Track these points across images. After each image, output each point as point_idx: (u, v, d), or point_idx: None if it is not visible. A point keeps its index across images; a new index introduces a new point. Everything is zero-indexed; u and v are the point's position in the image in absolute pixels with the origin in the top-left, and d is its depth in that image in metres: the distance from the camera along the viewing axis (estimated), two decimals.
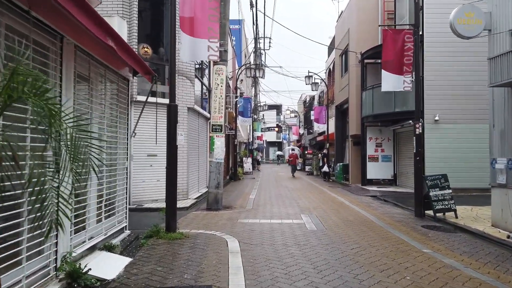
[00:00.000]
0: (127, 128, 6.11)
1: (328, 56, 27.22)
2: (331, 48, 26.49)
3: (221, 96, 9.44)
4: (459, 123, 13.00)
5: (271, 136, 68.96)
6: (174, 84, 6.54)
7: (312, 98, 33.26)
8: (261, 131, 54.84)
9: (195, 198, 10.97)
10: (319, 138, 26.44)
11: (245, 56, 31.66)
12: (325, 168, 21.03)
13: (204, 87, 13.94)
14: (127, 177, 6.04)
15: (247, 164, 26.79)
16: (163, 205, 9.76)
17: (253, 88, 35.91)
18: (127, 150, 6.07)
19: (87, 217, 4.80)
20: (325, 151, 21.68)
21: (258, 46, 26.54)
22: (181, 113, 10.58)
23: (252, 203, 10.69)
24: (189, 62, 10.81)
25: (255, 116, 36.25)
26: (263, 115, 55.52)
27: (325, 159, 21.26)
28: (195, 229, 6.93)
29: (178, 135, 10.76)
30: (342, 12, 21.21)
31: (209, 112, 10.12)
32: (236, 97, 18.91)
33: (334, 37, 23.06)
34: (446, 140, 12.89)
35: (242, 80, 20.67)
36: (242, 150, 31.97)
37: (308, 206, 10.05)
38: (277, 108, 68.72)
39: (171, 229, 6.27)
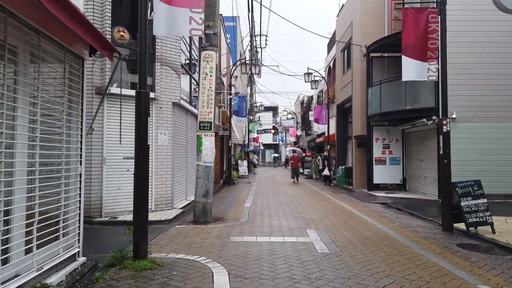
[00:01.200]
0: (81, 123, 4.62)
1: (328, 53, 25.87)
2: (331, 44, 25.15)
3: (210, 87, 7.97)
4: (479, 121, 11.62)
5: (267, 138, 67.53)
6: (144, 64, 5.07)
7: (311, 98, 31.88)
8: (257, 133, 53.47)
9: (181, 208, 9.46)
10: (318, 140, 25.05)
11: (240, 55, 30.24)
12: (326, 172, 19.60)
13: (194, 82, 12.48)
14: (80, 186, 4.55)
15: (243, 167, 25.27)
16: None
17: (249, 88, 34.49)
18: (81, 151, 4.58)
19: (9, 245, 3.33)
20: (325, 153, 20.26)
21: (254, 41, 25.16)
22: (165, 109, 9.11)
23: (248, 213, 9.20)
24: (174, 51, 9.35)
25: (251, 117, 34.81)
26: (259, 117, 54.19)
27: (326, 162, 19.83)
28: (174, 251, 5.44)
29: (160, 134, 9.31)
30: (343, 5, 19.84)
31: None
32: (230, 93, 17.45)
33: (334, 32, 21.69)
34: (465, 140, 11.50)
35: (236, 76, 19.25)
36: (237, 153, 30.48)
37: (313, 217, 8.58)
38: (274, 109, 67.31)
39: (140, 255, 4.77)
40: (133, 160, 8.62)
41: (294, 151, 25.22)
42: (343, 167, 18.87)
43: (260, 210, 9.73)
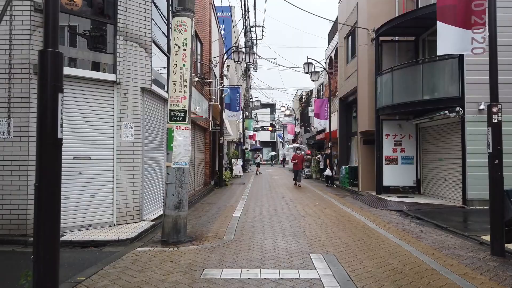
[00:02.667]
0: None
1: (329, 43, 24.01)
2: (332, 34, 23.30)
3: (184, 65, 6.08)
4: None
5: (264, 136, 65.69)
6: (55, 7, 3.16)
7: (310, 92, 30.02)
8: (254, 130, 51.62)
9: (153, 220, 7.59)
10: (318, 137, 23.21)
11: (236, 41, 28.30)
12: (328, 172, 17.76)
13: None
14: None
15: (237, 166, 23.43)
16: (99, 233, 6.42)
17: (245, 82, 32.58)
18: None
19: None
20: (327, 151, 18.39)
21: (249, 32, 23.27)
22: (130, 96, 7.22)
23: (235, 227, 7.33)
24: (144, 23, 7.45)
25: (247, 113, 32.91)
26: (256, 114, 52.33)
27: (328, 161, 17.98)
28: None
29: (125, 127, 7.42)
30: None
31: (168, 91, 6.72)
32: (220, 83, 15.54)
33: (336, 19, 19.80)
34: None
35: (228, 66, 17.36)
36: (232, 151, 28.61)
37: (318, 234, 6.73)
38: (271, 106, 65.51)
39: None
40: (87, 161, 6.76)
41: (298, 149, 19.57)
42: (347, 166, 17.05)
43: (251, 222, 7.86)
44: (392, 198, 11.99)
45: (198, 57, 13.80)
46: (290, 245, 5.83)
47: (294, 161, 18.21)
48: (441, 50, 5.84)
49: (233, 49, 15.62)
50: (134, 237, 6.14)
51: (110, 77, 6.92)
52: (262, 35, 28.84)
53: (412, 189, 13.09)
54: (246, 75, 30.86)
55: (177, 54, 6.05)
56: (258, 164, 32.06)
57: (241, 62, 15.62)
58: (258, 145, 62.92)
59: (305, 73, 18.55)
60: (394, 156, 13.07)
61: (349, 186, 16.31)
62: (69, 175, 6.46)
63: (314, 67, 19.23)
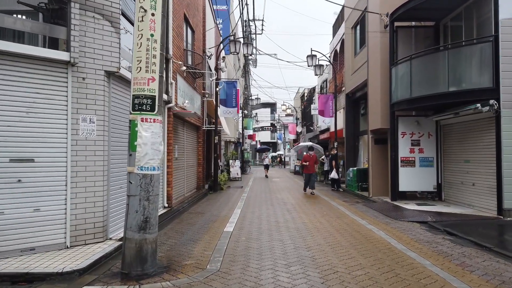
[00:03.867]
0: None
1: (333, 36, 22.45)
2: (337, 25, 21.75)
3: (152, 35, 4.49)
4: None
5: (264, 136, 64.12)
6: None
7: (312, 90, 28.44)
8: (254, 130, 50.11)
9: (121, 239, 6.00)
10: (322, 136, 21.63)
11: (232, 30, 26.74)
12: (334, 174, 16.17)
13: None
14: None
15: (235, 168, 21.85)
16: (42, 261, 4.84)
17: (244, 79, 31.05)
18: None
19: None
20: (333, 151, 16.78)
21: (248, 26, 21.79)
22: (91, 82, 5.65)
23: (224, 249, 5.75)
24: None
25: (246, 112, 31.34)
26: (256, 113, 50.85)
27: (334, 163, 16.39)
28: None
29: (84, 121, 5.82)
30: None
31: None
32: (215, 74, 13.94)
33: (343, 8, 18.22)
34: None
35: (224, 57, 15.80)
36: (230, 152, 27.04)
37: (334, 262, 5.14)
38: (272, 106, 64.02)
39: None
40: (29, 165, 5.15)
41: (311, 149, 15.25)
42: (355, 169, 15.47)
43: (246, 241, 6.27)
44: (411, 206, 10.41)
45: (189, 46, 12.23)
46: (297, 281, 4.25)
47: (304, 163, 14.59)
48: (504, 13, 4.24)
49: (229, 39, 14.04)
50: (85, 267, 4.56)
51: (62, 55, 5.34)
52: (262, 29, 27.29)
53: (431, 195, 11.50)
54: (245, 71, 29.33)
55: (142, 21, 4.47)
56: (266, 167, 27.21)
57: (238, 53, 14.05)
58: (259, 145, 61.45)
59: (308, 66, 16.98)
60: (411, 158, 11.48)
61: (357, 191, 14.75)
62: (4, 183, 4.89)
63: (318, 60, 17.66)
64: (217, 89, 13.98)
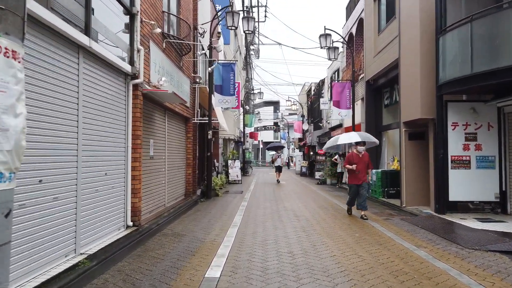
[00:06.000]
0: None
1: (347, 19, 19.62)
2: (350, 7, 18.93)
3: None
4: None
5: (267, 136, 61.33)
6: None
7: (321, 82, 25.61)
8: (256, 130, 47.35)
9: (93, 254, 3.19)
10: (335, 133, 18.79)
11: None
12: None
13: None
14: None
15: (234, 169, 19.06)
16: None
17: (245, 72, 28.26)
18: None
19: None
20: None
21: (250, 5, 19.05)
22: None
23: None
24: None
25: (247, 107, 28.53)
26: (258, 112, 48.12)
27: None
28: None
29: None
30: None
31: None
32: (205, 51, 11.10)
33: None
34: None
35: (220, 33, 13.01)
36: (230, 151, 24.24)
37: None
38: (275, 104, 61.27)
39: None
40: None
41: (360, 144, 9.33)
42: (379, 171, 12.69)
43: None
44: (471, 222, 7.59)
45: (174, 11, 9.45)
46: None
47: (350, 167, 8.79)
48: None
49: (226, 11, 11.24)
50: None
51: None
52: (265, 16, 24.46)
53: (491, 207, 8.66)
54: (247, 62, 26.53)
55: None
56: (279, 169, 20.80)
57: (236, 28, 11.26)
58: (261, 145, 58.66)
59: (321, 48, 14.14)
60: (466, 157, 8.65)
61: (383, 198, 12.00)
62: None
63: (333, 42, 14.83)
64: (209, 69, 11.16)
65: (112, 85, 5.88)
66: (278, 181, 20.19)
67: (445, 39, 8.48)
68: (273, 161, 23.36)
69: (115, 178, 6.01)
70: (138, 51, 6.65)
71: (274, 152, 23.76)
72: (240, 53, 26.90)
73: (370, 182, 10.98)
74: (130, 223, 6.45)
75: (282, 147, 26.79)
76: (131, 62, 6.48)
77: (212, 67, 11.20)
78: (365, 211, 8.57)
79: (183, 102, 8.47)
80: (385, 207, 10.67)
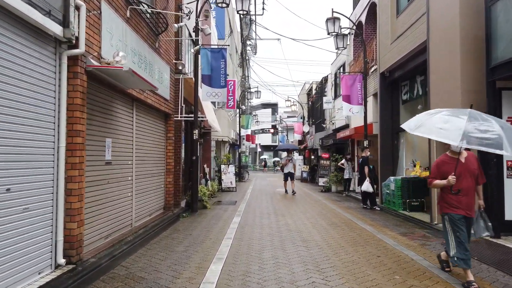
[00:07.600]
0: None
1: (354, 7, 17.63)
2: None
3: None
4: None
5: (265, 139, 59.26)
6: None
7: (324, 80, 23.58)
8: (254, 133, 45.32)
9: None
10: (341, 135, 16.72)
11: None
12: (367, 186, 11.25)
13: None
14: None
15: (228, 174, 16.96)
16: None
17: (241, 69, 26.22)
18: None
19: None
20: (366, 153, 11.82)
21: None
22: None
23: None
24: None
25: (243, 107, 26.44)
26: (255, 114, 46.10)
27: (367, 169, 11.47)
28: None
29: None
30: None
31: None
32: (193, 36, 8.98)
33: None
34: None
35: (207, 11, 10.97)
36: (224, 154, 22.09)
37: None
38: (273, 106, 59.26)
39: None
40: None
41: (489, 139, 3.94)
42: (398, 178, 10.63)
43: None
44: None
45: None
46: None
47: (442, 183, 4.40)
48: None
49: None
50: None
51: None
52: (263, 9, 22.50)
53: None
54: (243, 59, 24.51)
55: None
56: (290, 176, 15.68)
57: (227, 5, 9.22)
58: (259, 148, 56.62)
59: (328, 34, 12.11)
60: None
61: (403, 210, 9.99)
62: None
63: (341, 28, 12.82)
64: (193, 50, 9.07)
65: (30, 53, 3.80)
66: (288, 191, 15.50)
67: (499, 7, 6.44)
68: (282, 167, 17.80)
69: (31, 196, 3.91)
70: (77, 8, 4.57)
71: (287, 156, 17.47)
72: (236, 51, 24.93)
73: (373, 190, 8.42)
74: (62, 261, 4.34)
75: (295, 148, 22.60)
76: (65, 23, 4.39)
77: (196, 47, 9.09)
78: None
79: (153, 88, 6.36)
80: (412, 224, 8.60)
